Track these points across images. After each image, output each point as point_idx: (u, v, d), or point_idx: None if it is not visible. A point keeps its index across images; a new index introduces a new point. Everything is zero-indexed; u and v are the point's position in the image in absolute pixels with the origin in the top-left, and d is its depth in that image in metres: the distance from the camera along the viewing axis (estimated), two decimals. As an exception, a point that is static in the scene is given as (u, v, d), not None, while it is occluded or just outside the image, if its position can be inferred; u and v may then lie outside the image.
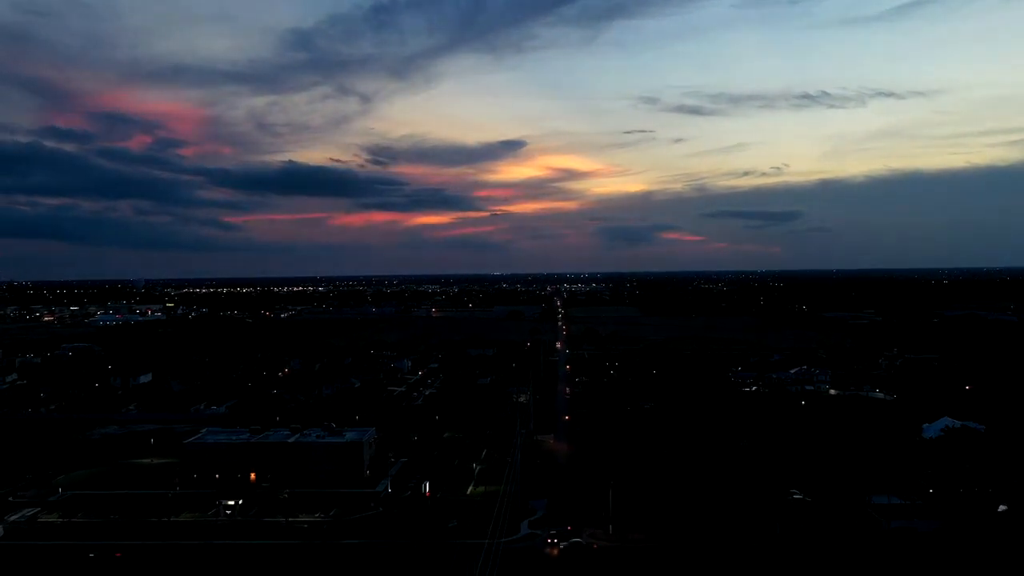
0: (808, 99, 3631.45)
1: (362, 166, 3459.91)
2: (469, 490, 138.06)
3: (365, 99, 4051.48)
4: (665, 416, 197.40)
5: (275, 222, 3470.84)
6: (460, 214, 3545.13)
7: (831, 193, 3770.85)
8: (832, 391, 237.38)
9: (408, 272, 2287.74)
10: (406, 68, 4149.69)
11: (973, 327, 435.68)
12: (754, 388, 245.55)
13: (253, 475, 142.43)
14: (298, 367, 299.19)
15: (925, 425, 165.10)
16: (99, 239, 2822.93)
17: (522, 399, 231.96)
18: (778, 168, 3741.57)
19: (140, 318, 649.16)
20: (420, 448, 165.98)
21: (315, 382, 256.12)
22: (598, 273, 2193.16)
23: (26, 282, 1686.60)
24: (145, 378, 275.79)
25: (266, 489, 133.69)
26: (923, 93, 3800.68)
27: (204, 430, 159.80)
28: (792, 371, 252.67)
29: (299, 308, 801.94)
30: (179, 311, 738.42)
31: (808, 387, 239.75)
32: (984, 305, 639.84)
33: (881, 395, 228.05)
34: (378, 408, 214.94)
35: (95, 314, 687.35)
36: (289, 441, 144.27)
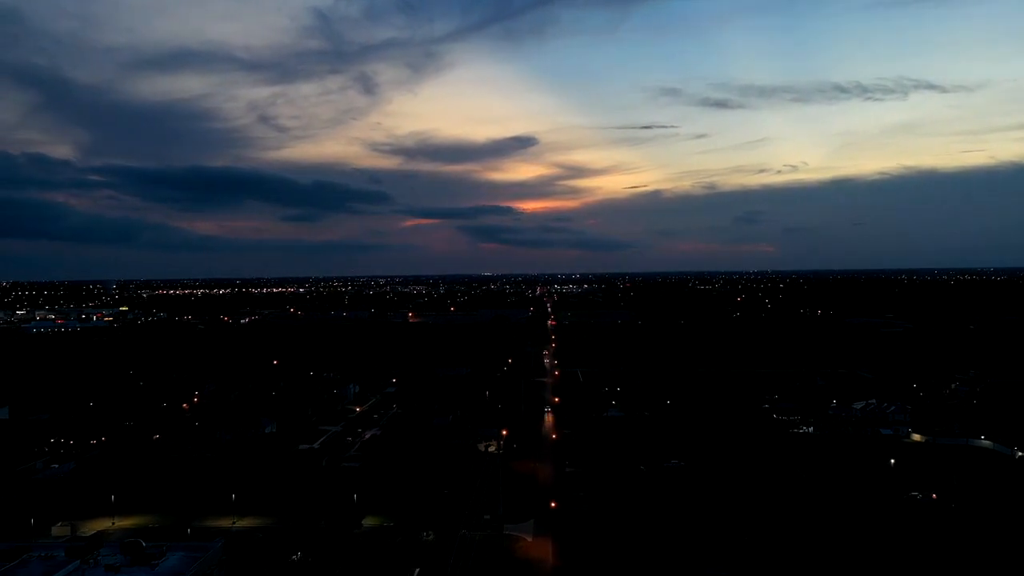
0: (842, 92, 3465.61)
1: (364, 164, 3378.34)
2: None
3: (374, 91, 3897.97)
4: (700, 487, 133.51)
5: (274, 220, 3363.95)
6: (459, 216, 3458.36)
7: (842, 192, 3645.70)
8: (916, 436, 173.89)
9: (403, 272, 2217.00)
10: (420, 57, 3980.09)
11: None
12: (808, 429, 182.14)
13: (-24, 647, 77.71)
14: (212, 393, 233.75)
15: None
16: (90, 238, 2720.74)
17: (492, 448, 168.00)
18: (794, 166, 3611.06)
19: (81, 324, 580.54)
20: (317, 558, 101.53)
21: (218, 422, 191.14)
22: (590, 274, 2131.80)
23: (3, 283, 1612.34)
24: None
25: None
26: (965, 87, 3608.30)
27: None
28: (857, 406, 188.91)
29: (266, 312, 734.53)
30: (130, 315, 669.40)
31: (884, 430, 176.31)
32: (1014, 310, 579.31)
33: (989, 444, 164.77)
34: (286, 468, 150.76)
35: (32, 319, 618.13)
36: (46, 583, 79.32)
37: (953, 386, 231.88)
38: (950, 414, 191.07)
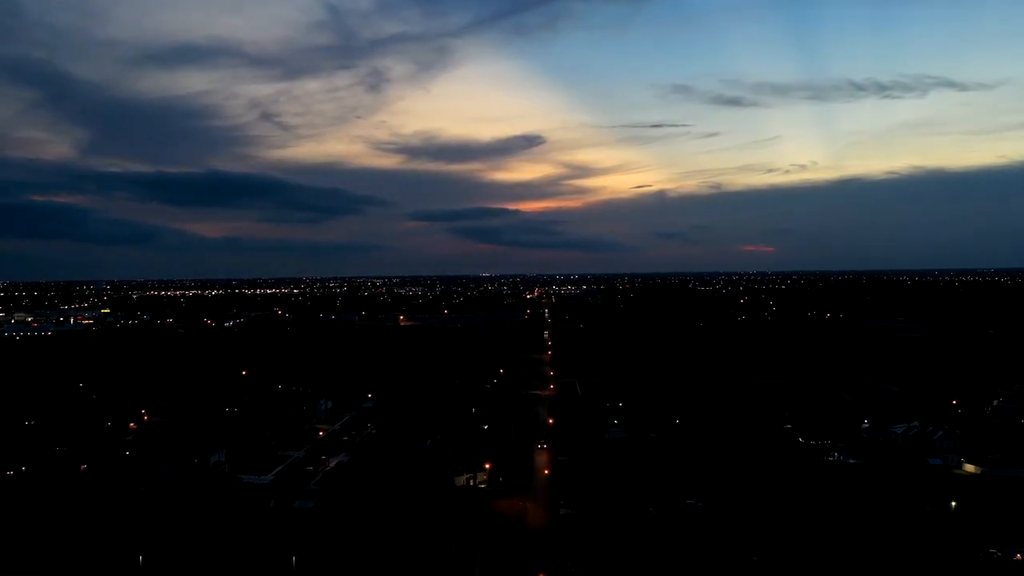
0: (859, 89, 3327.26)
1: (367, 163, 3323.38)
2: None
3: (382, 88, 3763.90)
4: (725, 538, 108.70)
5: (274, 219, 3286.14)
6: (461, 218, 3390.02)
7: (847, 192, 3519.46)
8: (969, 467, 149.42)
9: (402, 273, 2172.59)
10: (430, 53, 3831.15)
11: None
12: (840, 456, 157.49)
13: None
14: (164, 410, 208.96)
15: None
16: (87, 238, 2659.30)
17: (473, 481, 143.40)
18: (803, 165, 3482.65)
19: (55, 328, 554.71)
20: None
21: (160, 448, 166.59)
22: (589, 274, 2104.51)
23: (2, 282, 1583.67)
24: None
25: None
26: (986, 84, 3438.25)
27: None
28: (898, 430, 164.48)
29: (253, 314, 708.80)
30: (110, 318, 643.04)
31: (932, 460, 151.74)
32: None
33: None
34: (225, 510, 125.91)
35: (7, 322, 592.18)
36: None
37: (996, 403, 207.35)
38: (1003, 439, 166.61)
